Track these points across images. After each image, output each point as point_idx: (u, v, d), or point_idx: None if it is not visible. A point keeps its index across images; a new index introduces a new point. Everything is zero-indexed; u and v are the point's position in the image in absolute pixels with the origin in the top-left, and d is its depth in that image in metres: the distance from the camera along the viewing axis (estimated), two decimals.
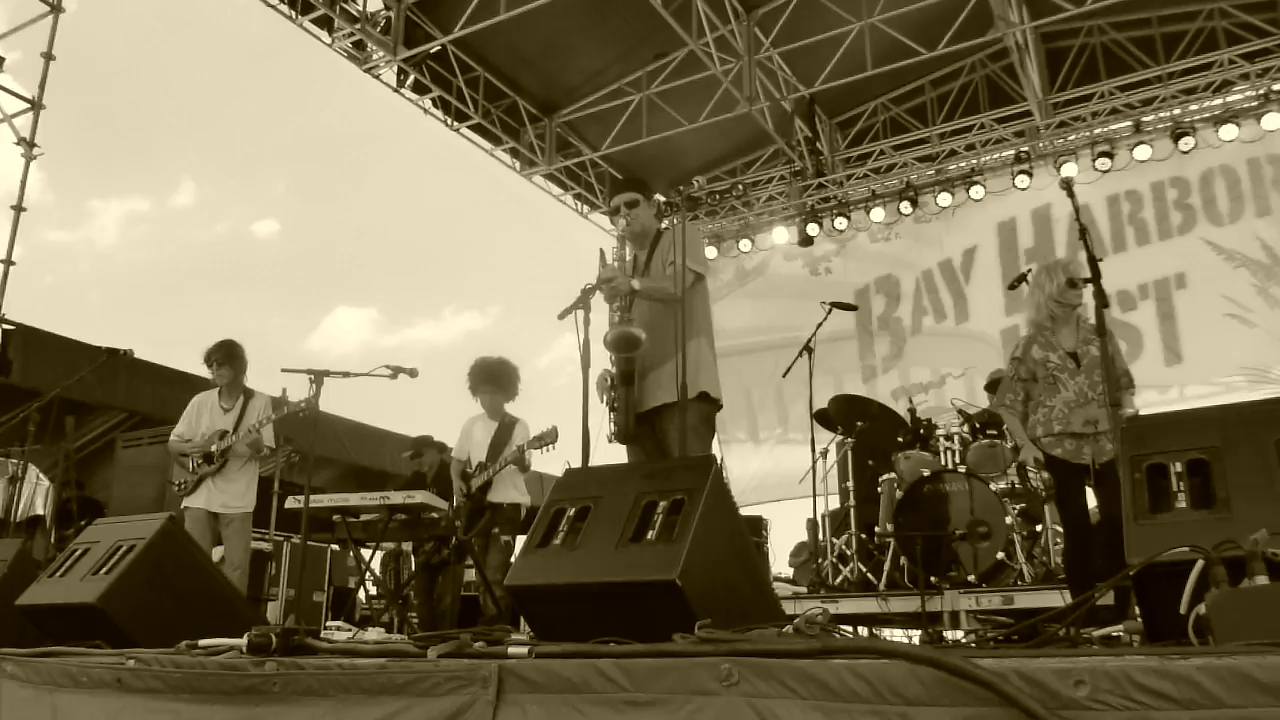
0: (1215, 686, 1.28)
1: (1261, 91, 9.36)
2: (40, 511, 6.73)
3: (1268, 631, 1.55)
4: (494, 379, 6.07)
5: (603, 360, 4.09)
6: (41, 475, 6.78)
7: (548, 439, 5.78)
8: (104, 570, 3.33)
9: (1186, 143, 9.54)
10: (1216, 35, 9.50)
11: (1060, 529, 6.14)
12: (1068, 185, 4.17)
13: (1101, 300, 4.00)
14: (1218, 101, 9.58)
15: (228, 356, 6.01)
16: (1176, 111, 9.71)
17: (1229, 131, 9.42)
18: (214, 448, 5.85)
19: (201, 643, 2.47)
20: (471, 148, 10.47)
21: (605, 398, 3.97)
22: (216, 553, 5.88)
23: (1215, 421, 2.26)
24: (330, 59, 9.07)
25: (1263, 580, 1.73)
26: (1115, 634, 2.60)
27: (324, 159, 40.09)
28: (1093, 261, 4.04)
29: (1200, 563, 1.81)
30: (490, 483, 5.89)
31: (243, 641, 2.28)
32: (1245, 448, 2.15)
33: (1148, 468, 2.24)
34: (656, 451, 4.01)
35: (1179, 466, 2.20)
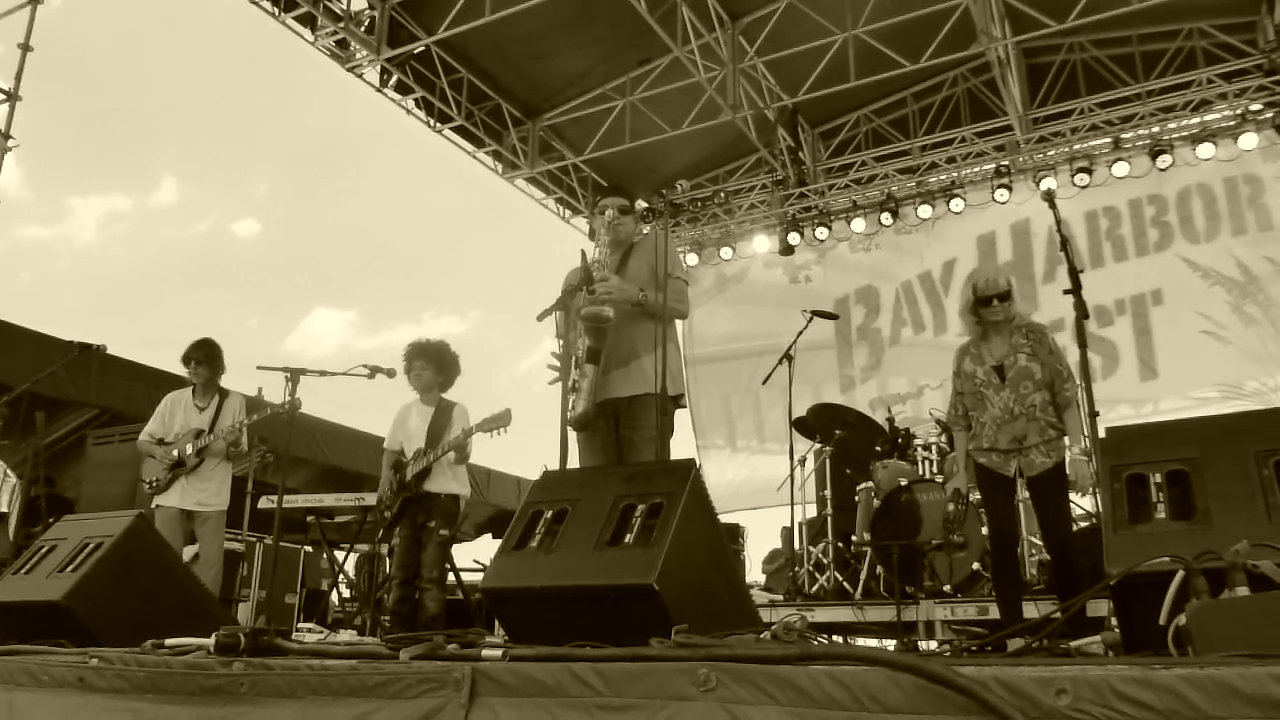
0: (1197, 697, 1.27)
1: (1239, 111, 9.46)
2: (4, 509, 6.62)
3: (1248, 643, 1.54)
4: (427, 355, 5.70)
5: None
6: (9, 471, 6.67)
7: (500, 421, 5.36)
8: (70, 568, 3.25)
9: (1164, 160, 9.63)
10: (1195, 55, 9.62)
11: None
12: (1049, 197, 4.18)
13: (1082, 312, 4.01)
14: (1195, 120, 9.68)
15: (208, 356, 5.94)
16: (1155, 129, 9.80)
17: (1206, 150, 9.51)
18: (189, 448, 5.78)
19: (168, 642, 2.43)
20: (454, 150, 10.44)
21: (571, 378, 3.92)
22: (188, 551, 5.81)
23: (1195, 433, 2.27)
24: (315, 59, 9.03)
25: (1244, 591, 1.73)
26: (1092, 646, 2.58)
27: (307, 160, 39.93)
28: (1074, 273, 4.05)
29: (1181, 573, 1.80)
30: (428, 471, 5.48)
31: (210, 641, 2.24)
32: (1225, 459, 2.15)
33: (1127, 478, 2.23)
34: (613, 444, 4.00)
35: (1158, 477, 2.20)
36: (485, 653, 1.89)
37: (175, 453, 5.78)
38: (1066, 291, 4.13)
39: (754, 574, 8.95)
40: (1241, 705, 1.25)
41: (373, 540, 7.00)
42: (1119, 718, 1.29)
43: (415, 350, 5.74)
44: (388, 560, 6.64)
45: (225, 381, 6.11)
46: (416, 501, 5.51)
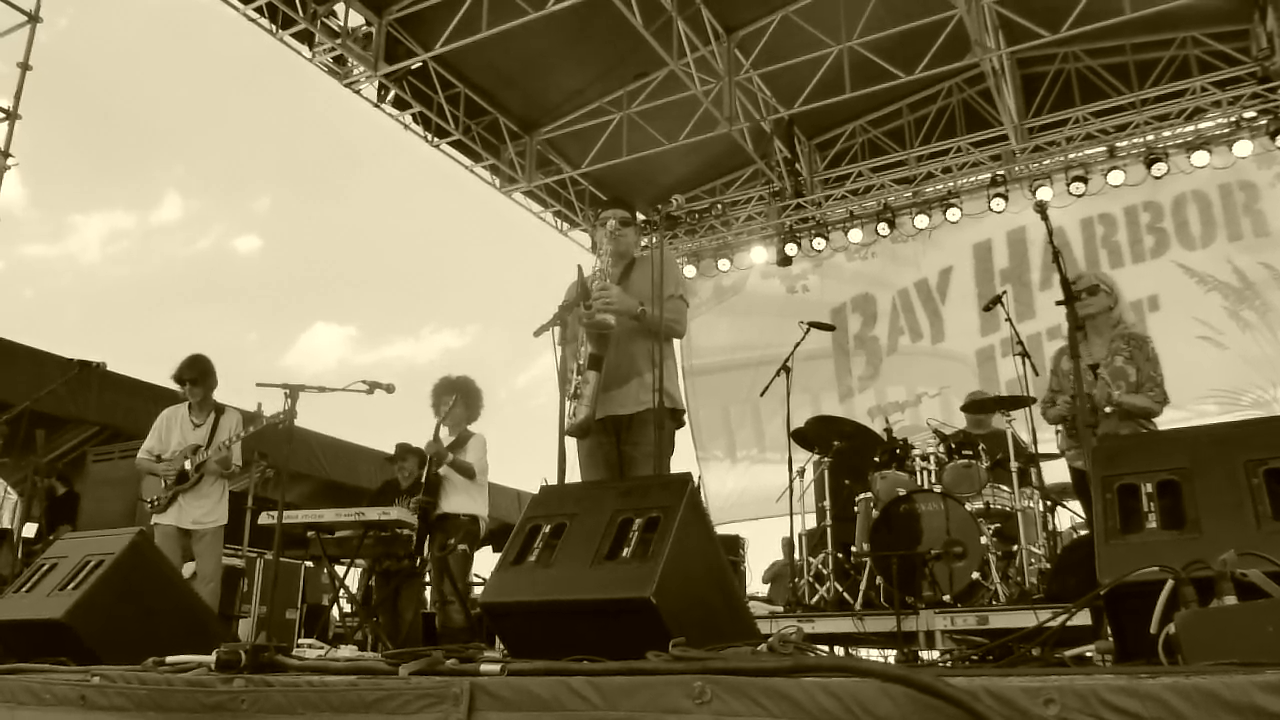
0: (1182, 705, 1.29)
1: (1232, 119, 9.51)
2: (7, 524, 6.63)
3: (1235, 651, 1.56)
4: (463, 391, 5.94)
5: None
6: (9, 489, 6.68)
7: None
8: (71, 586, 3.27)
9: (1159, 168, 9.67)
10: (1189, 63, 9.68)
11: (1033, 550, 6.17)
12: (1042, 209, 4.21)
13: (1074, 322, 4.04)
14: (1190, 128, 9.73)
15: (201, 374, 5.96)
16: (1150, 138, 9.85)
17: (1201, 158, 9.56)
18: (188, 463, 5.79)
19: (169, 659, 2.44)
20: (452, 165, 10.48)
21: (572, 384, 3.94)
22: (187, 569, 5.81)
23: (1185, 443, 2.28)
24: (315, 75, 9.08)
25: (1231, 600, 1.75)
26: (1087, 654, 2.60)
27: (308, 175, 40.04)
28: (1065, 284, 4.08)
29: (1170, 583, 1.82)
30: (437, 486, 5.75)
31: (211, 658, 2.26)
32: (1215, 469, 2.17)
33: (1119, 488, 2.25)
34: (615, 459, 4.03)
35: (1149, 487, 2.21)
36: (483, 668, 1.90)
37: (177, 467, 5.79)
38: (1059, 303, 4.16)
39: (755, 585, 8.95)
40: (1226, 713, 1.27)
41: (372, 555, 7.00)
42: None
43: (446, 386, 5.91)
44: (372, 575, 6.64)
45: (227, 398, 6.13)
46: (436, 522, 5.61)
